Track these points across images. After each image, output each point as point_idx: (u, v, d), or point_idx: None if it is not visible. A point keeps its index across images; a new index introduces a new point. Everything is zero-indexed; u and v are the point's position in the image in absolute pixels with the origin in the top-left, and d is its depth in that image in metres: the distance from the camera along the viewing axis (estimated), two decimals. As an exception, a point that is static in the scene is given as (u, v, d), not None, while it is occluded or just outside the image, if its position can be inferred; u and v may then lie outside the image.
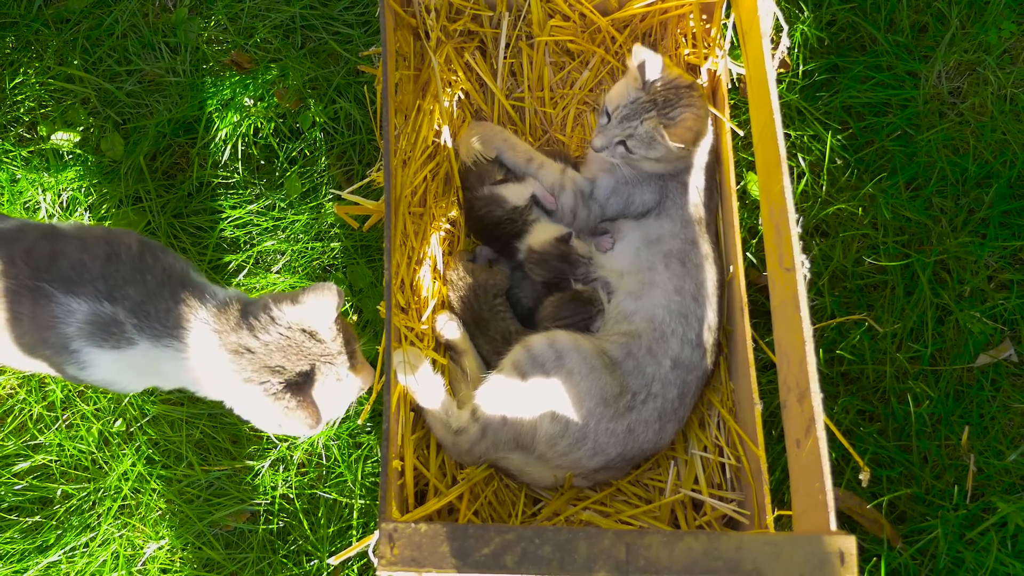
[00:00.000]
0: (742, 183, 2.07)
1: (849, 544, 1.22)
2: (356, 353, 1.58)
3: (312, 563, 1.85)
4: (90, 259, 1.49)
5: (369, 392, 1.63)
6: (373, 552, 1.44)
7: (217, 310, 1.49)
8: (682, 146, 1.75)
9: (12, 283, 1.47)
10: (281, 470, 1.92)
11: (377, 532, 1.24)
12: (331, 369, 1.51)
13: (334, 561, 1.53)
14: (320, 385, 1.51)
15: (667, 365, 1.71)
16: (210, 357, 1.48)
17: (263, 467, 1.92)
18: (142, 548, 1.88)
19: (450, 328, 1.84)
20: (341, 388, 1.54)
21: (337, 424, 1.92)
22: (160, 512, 1.91)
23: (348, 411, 1.89)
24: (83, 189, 2.11)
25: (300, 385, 1.48)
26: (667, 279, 1.78)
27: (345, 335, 1.55)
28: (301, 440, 1.52)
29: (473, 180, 1.93)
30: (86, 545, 1.88)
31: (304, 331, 1.49)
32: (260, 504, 1.90)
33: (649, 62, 1.78)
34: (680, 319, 1.74)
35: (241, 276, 2.05)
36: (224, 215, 2.09)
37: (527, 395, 1.67)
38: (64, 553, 1.87)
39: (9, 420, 1.96)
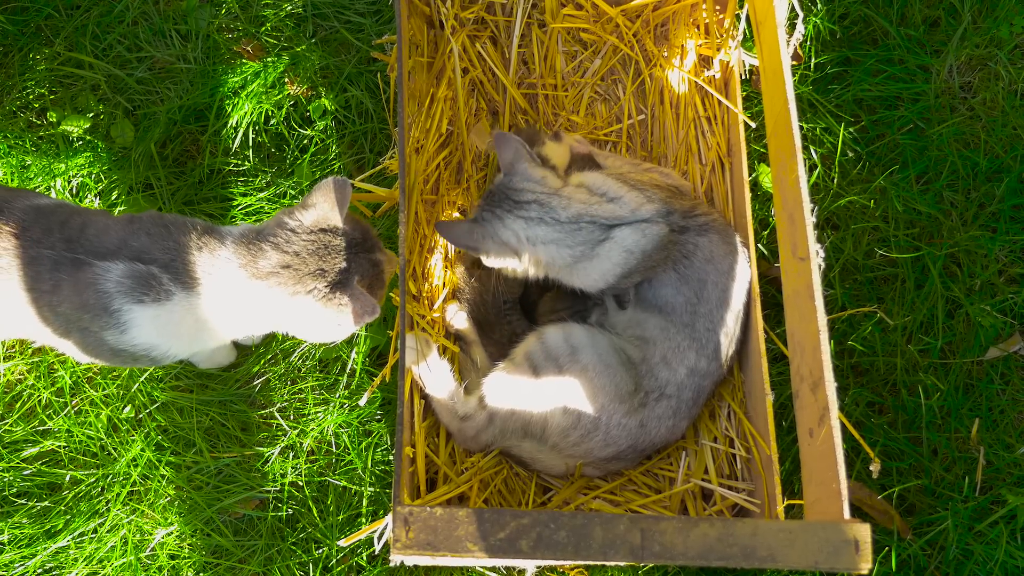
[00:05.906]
0: (753, 175, 2.06)
1: (864, 532, 1.22)
2: (377, 238, 1.64)
3: (321, 551, 1.85)
4: (114, 223, 1.57)
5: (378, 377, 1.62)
6: (377, 537, 1.44)
7: (236, 245, 1.53)
8: None
9: (51, 252, 1.52)
10: (291, 457, 1.92)
11: (390, 516, 1.23)
12: (365, 256, 1.56)
13: (344, 543, 1.53)
14: (361, 274, 1.56)
15: (682, 373, 1.69)
16: (244, 292, 1.52)
17: (272, 454, 1.91)
18: (151, 534, 1.88)
19: (460, 319, 1.84)
20: (378, 271, 1.60)
21: (350, 411, 1.92)
22: (169, 498, 1.90)
23: (356, 399, 1.90)
24: (93, 175, 2.11)
25: (344, 282, 1.52)
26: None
27: (361, 224, 1.60)
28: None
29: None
30: (95, 531, 1.88)
31: (325, 230, 1.53)
32: (269, 491, 1.90)
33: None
34: (695, 337, 1.71)
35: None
36: (235, 202, 2.09)
37: (538, 388, 1.67)
38: (73, 538, 1.87)
39: (18, 406, 1.96)
